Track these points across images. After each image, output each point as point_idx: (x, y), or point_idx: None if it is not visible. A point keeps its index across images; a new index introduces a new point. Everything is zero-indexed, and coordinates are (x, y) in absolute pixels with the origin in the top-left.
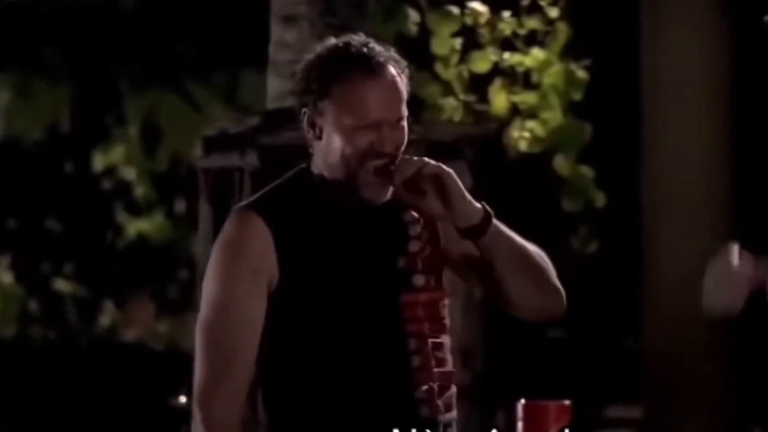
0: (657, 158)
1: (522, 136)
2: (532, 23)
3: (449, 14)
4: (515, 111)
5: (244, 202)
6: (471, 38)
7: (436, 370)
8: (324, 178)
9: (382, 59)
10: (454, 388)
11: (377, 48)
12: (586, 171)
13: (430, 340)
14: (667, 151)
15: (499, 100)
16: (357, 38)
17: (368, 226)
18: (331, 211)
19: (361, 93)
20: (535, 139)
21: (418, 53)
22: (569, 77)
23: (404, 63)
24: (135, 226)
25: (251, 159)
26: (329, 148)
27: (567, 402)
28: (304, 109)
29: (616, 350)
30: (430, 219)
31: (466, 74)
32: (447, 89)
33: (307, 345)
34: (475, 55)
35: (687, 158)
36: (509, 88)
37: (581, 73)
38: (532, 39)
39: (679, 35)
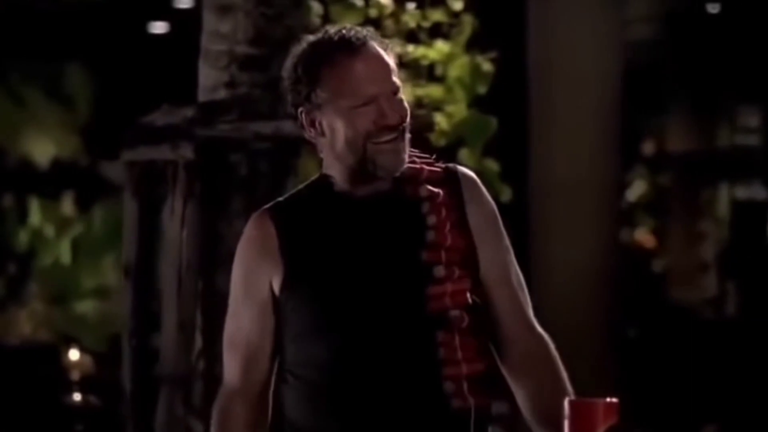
0: (546, 147)
1: None
2: (437, 15)
3: (353, 6)
4: (420, 104)
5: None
6: (375, 30)
7: (465, 362)
8: (336, 176)
9: (361, 38)
10: (488, 380)
11: (354, 30)
12: (492, 165)
13: (458, 332)
14: (555, 141)
15: (404, 93)
16: (333, 28)
17: (384, 219)
18: (344, 208)
19: (351, 71)
20: (440, 132)
21: None
22: (474, 70)
23: (386, 42)
24: None
25: (185, 151)
26: (334, 138)
27: (615, 400)
28: (300, 109)
29: None
30: (452, 208)
31: None
32: None
33: (325, 343)
34: None
35: (575, 148)
36: (414, 81)
37: (487, 66)
38: (437, 31)
39: (569, 23)
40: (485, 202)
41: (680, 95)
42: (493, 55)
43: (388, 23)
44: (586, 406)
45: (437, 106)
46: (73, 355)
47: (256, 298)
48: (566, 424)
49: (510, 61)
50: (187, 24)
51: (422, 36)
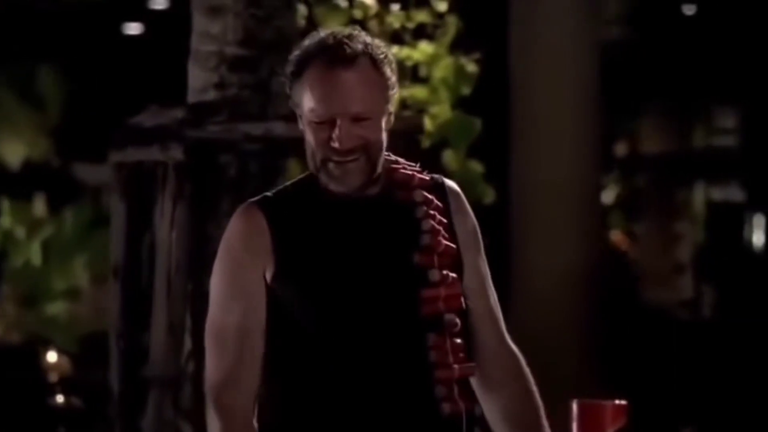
0: (527, 148)
1: None
2: (421, 16)
3: (337, 7)
4: (404, 106)
5: (252, 199)
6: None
7: (456, 365)
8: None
9: (353, 51)
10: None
11: (353, 40)
12: (476, 166)
13: (449, 336)
14: (537, 142)
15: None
16: (345, 30)
17: (375, 221)
18: (334, 207)
19: (321, 85)
20: (425, 133)
21: None
22: (459, 71)
23: (386, 54)
24: None
25: (175, 153)
26: (306, 140)
27: (624, 402)
28: (291, 102)
29: None
30: (443, 216)
31: None
32: None
33: (315, 343)
34: None
35: (556, 149)
36: (398, 82)
37: (471, 67)
38: (421, 32)
39: (550, 24)
40: (469, 215)
41: (655, 96)
42: (477, 56)
43: (373, 24)
44: (594, 408)
45: (422, 108)
46: (51, 356)
47: (248, 291)
48: (574, 425)
49: (493, 63)
50: (162, 26)
51: (406, 37)
